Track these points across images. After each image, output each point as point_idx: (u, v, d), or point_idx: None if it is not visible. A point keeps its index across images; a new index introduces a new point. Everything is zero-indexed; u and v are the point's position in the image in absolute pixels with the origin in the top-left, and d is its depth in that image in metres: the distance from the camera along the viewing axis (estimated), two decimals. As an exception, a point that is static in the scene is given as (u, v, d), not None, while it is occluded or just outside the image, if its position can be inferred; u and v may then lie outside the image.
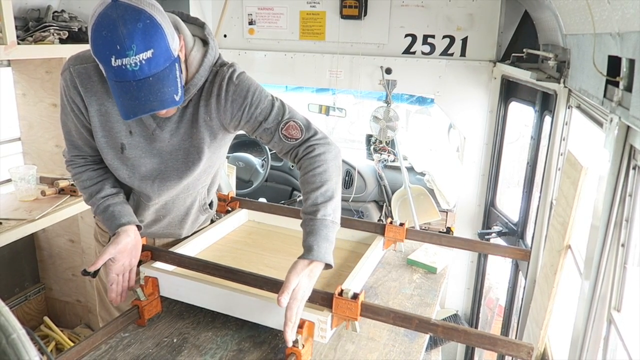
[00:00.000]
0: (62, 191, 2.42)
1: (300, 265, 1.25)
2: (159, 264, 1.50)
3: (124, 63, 1.11)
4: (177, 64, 1.21)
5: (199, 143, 1.44)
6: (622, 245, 1.24)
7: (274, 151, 4.33)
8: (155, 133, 1.42)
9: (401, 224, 1.79)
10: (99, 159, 1.52)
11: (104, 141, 1.44)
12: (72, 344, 2.68)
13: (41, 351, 0.60)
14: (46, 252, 2.97)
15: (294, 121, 1.41)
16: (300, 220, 1.36)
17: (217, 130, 1.45)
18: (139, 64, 1.12)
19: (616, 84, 1.19)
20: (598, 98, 1.35)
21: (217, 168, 1.66)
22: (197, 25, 1.43)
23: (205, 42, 1.41)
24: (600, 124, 1.50)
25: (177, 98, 1.21)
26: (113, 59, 1.11)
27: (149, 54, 1.12)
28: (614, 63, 1.23)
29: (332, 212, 1.32)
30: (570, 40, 1.79)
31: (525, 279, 2.16)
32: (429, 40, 2.96)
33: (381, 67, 3.05)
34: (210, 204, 1.76)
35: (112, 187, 1.51)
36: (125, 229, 1.43)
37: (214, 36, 1.43)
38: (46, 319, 2.90)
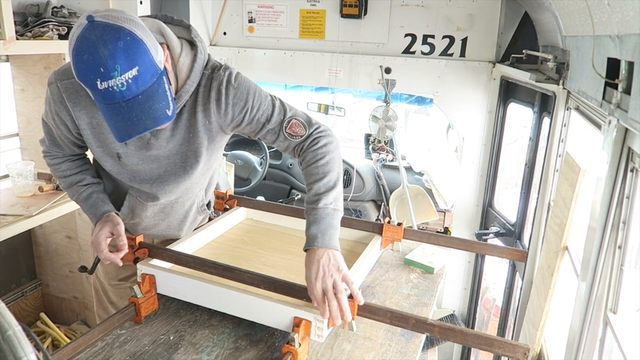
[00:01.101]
0: (59, 187, 2.41)
1: (307, 258, 1.27)
2: (156, 262, 1.50)
3: (110, 85, 1.08)
4: (164, 77, 1.18)
5: (198, 147, 1.44)
6: (619, 247, 1.24)
7: (272, 149, 4.33)
8: (151, 142, 1.42)
9: (399, 224, 1.79)
10: (77, 154, 1.55)
11: (100, 151, 1.44)
12: (68, 341, 2.68)
13: (37, 348, 0.60)
14: (43, 248, 2.96)
15: (296, 119, 1.41)
16: (300, 220, 1.37)
17: (215, 134, 1.45)
18: (125, 83, 1.09)
19: (615, 86, 1.19)
20: (597, 100, 1.35)
21: (214, 169, 1.66)
22: (183, 27, 1.39)
23: (193, 45, 1.37)
24: (598, 126, 1.51)
25: (169, 113, 1.18)
26: (99, 82, 1.08)
27: (134, 71, 1.09)
28: (613, 65, 1.23)
29: (333, 200, 1.33)
30: (570, 41, 1.80)
31: (522, 279, 2.16)
32: (429, 40, 2.96)
33: (380, 66, 3.05)
34: (208, 204, 1.76)
35: (92, 177, 1.56)
36: (113, 214, 1.50)
37: (202, 38, 1.39)
38: (43, 315, 2.90)
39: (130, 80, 1.09)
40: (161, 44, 1.27)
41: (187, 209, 1.66)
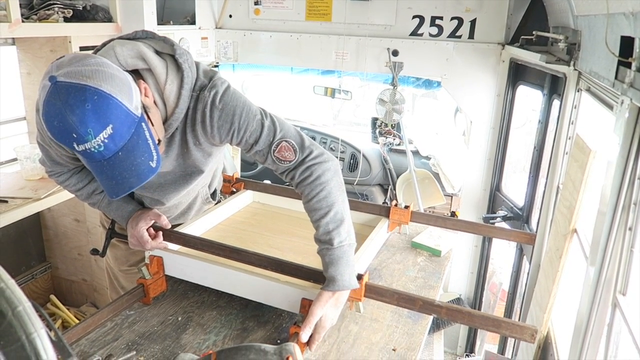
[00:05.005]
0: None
1: (325, 296, 1.24)
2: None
3: (87, 147, 1.03)
4: (143, 123, 1.11)
5: (194, 162, 1.41)
6: (630, 228, 1.23)
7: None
8: None
9: (406, 207, 1.78)
10: (80, 165, 1.47)
11: None
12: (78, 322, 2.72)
13: (49, 327, 0.61)
14: (52, 231, 2.99)
15: (285, 141, 1.32)
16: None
17: (209, 150, 1.41)
18: (102, 144, 1.03)
19: (628, 65, 1.17)
20: (609, 80, 1.33)
21: (216, 167, 1.67)
22: (167, 43, 1.29)
23: (178, 66, 1.27)
24: (610, 107, 1.48)
25: (153, 165, 1.12)
26: (75, 145, 1.03)
27: (109, 130, 1.03)
28: (627, 43, 1.20)
29: (346, 235, 1.29)
30: (582, 21, 1.76)
31: (530, 263, 2.16)
32: (437, 22, 2.92)
33: (388, 49, 3.01)
34: (214, 194, 1.77)
35: None
36: (141, 207, 1.52)
37: (188, 55, 1.29)
38: (52, 297, 2.94)
39: (106, 140, 1.03)
40: (143, 69, 1.23)
41: (190, 202, 1.68)
